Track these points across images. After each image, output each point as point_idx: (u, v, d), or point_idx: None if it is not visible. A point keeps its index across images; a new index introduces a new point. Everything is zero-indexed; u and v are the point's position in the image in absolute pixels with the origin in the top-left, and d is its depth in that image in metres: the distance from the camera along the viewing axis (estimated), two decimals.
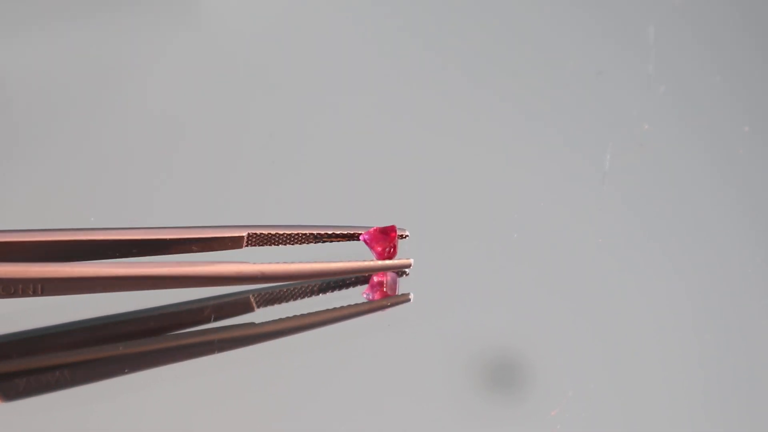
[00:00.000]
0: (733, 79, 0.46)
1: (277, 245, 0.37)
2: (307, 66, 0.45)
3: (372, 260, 0.37)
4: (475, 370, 0.36)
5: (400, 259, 0.37)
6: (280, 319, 0.37)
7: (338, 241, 0.37)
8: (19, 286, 0.34)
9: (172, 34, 0.46)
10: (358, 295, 0.37)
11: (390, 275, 0.37)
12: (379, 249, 0.37)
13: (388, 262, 0.37)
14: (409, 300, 0.37)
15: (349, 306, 0.37)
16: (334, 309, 0.37)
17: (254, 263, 0.36)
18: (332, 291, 0.37)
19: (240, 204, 0.41)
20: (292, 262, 0.36)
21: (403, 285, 0.38)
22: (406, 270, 0.37)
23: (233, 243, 0.36)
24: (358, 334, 0.37)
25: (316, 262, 0.36)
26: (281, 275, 0.36)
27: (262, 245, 0.36)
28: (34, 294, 0.34)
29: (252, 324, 0.37)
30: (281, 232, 0.36)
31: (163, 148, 0.43)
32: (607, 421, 0.36)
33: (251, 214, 0.38)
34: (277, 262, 0.36)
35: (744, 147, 0.43)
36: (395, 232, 0.37)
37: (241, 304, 0.37)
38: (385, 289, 0.37)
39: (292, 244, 0.37)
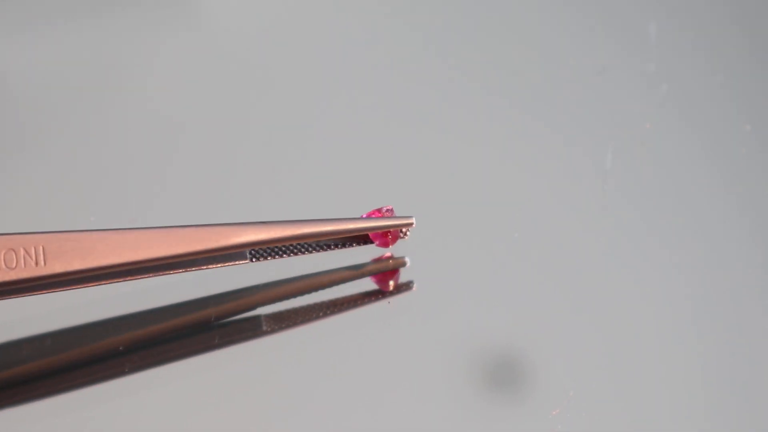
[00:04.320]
0: (734, 77, 0.46)
1: (282, 257, 0.37)
2: (308, 65, 0.45)
3: (374, 219, 0.37)
4: (476, 369, 0.36)
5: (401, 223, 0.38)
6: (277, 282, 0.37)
7: (349, 246, 0.37)
8: (21, 249, 0.34)
9: (172, 34, 0.46)
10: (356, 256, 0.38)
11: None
12: (384, 239, 0.37)
13: (390, 220, 0.37)
14: (405, 264, 0.38)
15: (349, 268, 0.37)
16: (333, 271, 0.37)
17: (251, 225, 0.36)
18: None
19: (241, 202, 0.41)
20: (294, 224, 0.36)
21: (402, 278, 0.38)
22: (407, 232, 0.38)
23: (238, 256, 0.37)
24: (357, 333, 0.37)
25: (318, 221, 0.36)
26: (282, 237, 0.36)
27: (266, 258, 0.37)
28: (37, 265, 0.34)
29: (248, 290, 0.37)
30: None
31: (163, 148, 0.43)
32: (607, 421, 0.36)
33: (253, 212, 0.38)
34: (277, 223, 0.36)
35: (746, 146, 0.43)
36: (380, 212, 0.37)
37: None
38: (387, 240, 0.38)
39: (296, 255, 0.37)
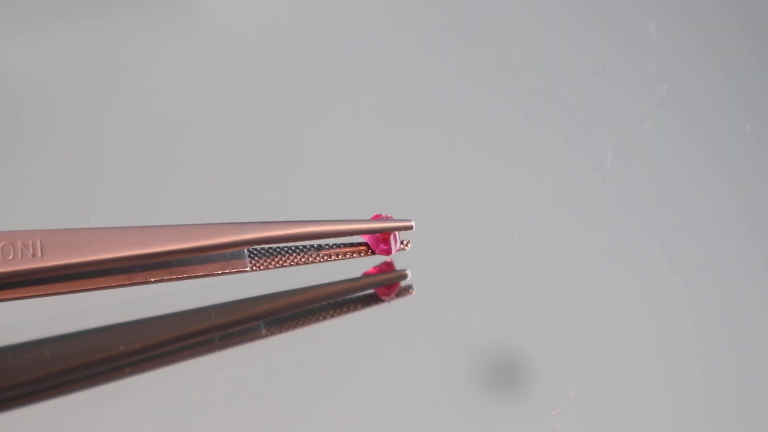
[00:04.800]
0: (734, 77, 0.46)
1: (283, 267, 0.37)
2: (308, 65, 0.45)
3: (374, 222, 0.37)
4: (476, 369, 0.36)
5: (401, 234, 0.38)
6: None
7: (348, 255, 0.38)
8: (18, 242, 0.34)
9: (172, 34, 0.46)
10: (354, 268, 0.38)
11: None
12: (386, 246, 0.37)
13: (389, 222, 0.37)
14: (406, 277, 0.38)
15: (349, 280, 0.38)
16: (334, 283, 0.37)
17: (250, 224, 0.36)
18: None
19: (241, 203, 0.41)
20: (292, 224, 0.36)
21: (401, 286, 0.38)
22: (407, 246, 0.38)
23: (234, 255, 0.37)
24: (357, 333, 0.37)
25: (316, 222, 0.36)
26: (280, 237, 0.36)
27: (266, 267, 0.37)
28: (35, 257, 0.34)
29: (247, 302, 0.37)
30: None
31: (163, 148, 0.43)
32: (607, 421, 0.36)
33: (251, 217, 0.38)
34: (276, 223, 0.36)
35: (746, 146, 0.43)
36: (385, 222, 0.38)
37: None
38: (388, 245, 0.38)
39: (297, 265, 0.37)
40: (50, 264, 0.34)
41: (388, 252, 0.37)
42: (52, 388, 0.35)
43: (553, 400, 0.36)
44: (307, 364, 0.36)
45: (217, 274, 0.36)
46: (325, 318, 0.37)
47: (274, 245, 0.37)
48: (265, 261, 0.37)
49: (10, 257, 0.34)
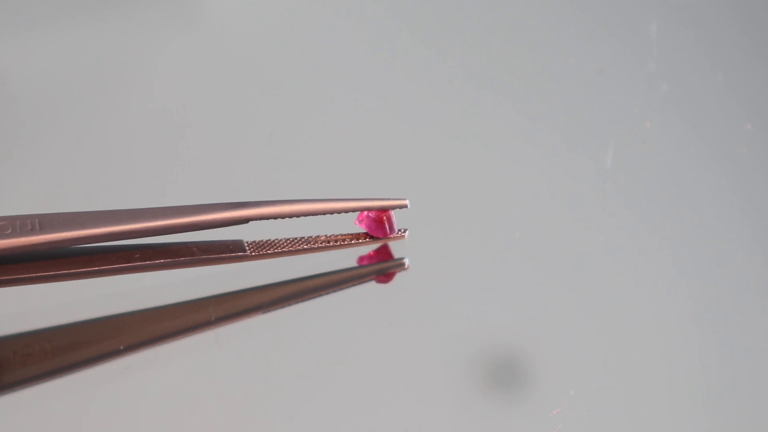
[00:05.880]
0: (734, 77, 0.46)
1: (281, 254, 0.37)
2: (308, 64, 0.45)
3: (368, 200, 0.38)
4: (477, 368, 0.36)
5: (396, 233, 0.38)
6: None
7: (344, 245, 0.38)
8: (17, 221, 0.34)
9: (172, 34, 0.46)
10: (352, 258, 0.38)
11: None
12: (381, 230, 0.38)
13: (383, 201, 0.37)
14: (404, 265, 0.38)
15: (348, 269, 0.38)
16: (334, 272, 0.37)
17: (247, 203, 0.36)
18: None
19: (241, 200, 0.41)
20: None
21: (402, 283, 0.38)
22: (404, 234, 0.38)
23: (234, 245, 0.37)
24: (356, 332, 0.37)
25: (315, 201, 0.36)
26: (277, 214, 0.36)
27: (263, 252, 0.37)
28: (32, 230, 0.34)
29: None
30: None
31: (163, 147, 0.43)
32: (607, 421, 0.36)
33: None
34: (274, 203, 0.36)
35: (746, 145, 0.43)
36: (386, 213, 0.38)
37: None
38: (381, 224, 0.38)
39: (296, 253, 0.37)
40: (47, 236, 0.35)
41: (385, 234, 0.37)
42: (49, 379, 0.35)
43: (554, 400, 0.36)
44: (304, 355, 0.36)
45: (216, 260, 0.36)
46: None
47: (272, 238, 0.37)
48: (264, 248, 0.37)
49: (8, 231, 0.34)
